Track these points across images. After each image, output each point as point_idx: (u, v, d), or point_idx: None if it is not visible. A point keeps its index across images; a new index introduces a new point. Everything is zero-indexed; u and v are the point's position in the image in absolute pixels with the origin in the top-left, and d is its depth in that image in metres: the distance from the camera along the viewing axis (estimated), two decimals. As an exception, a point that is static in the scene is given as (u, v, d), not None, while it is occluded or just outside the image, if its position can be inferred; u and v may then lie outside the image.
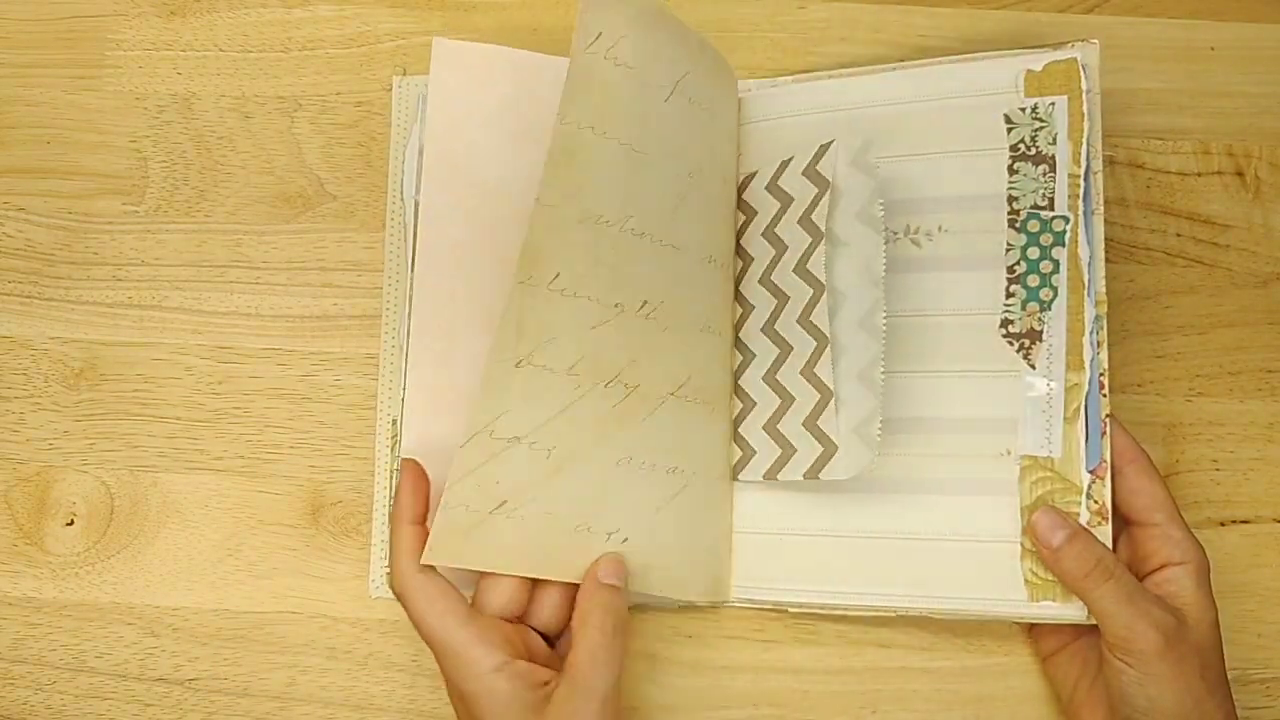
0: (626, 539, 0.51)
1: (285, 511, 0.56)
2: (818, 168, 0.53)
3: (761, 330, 0.55)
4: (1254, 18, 0.60)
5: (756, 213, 0.56)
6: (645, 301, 0.51)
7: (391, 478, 0.55)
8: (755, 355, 0.55)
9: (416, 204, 0.55)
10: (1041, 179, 0.53)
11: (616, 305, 0.50)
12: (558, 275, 0.49)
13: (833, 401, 0.51)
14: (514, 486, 0.48)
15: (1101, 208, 0.53)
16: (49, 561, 0.56)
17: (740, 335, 0.55)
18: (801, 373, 0.52)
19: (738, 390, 0.55)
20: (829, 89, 0.57)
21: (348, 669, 0.55)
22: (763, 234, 0.55)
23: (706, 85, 0.54)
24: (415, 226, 0.54)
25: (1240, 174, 0.58)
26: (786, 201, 0.54)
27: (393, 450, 0.55)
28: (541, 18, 0.59)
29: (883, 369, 0.51)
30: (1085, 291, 0.52)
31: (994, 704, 0.55)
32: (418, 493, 0.49)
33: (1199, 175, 0.58)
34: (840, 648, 0.55)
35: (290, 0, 0.59)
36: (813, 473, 0.51)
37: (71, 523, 0.56)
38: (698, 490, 0.53)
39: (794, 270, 0.53)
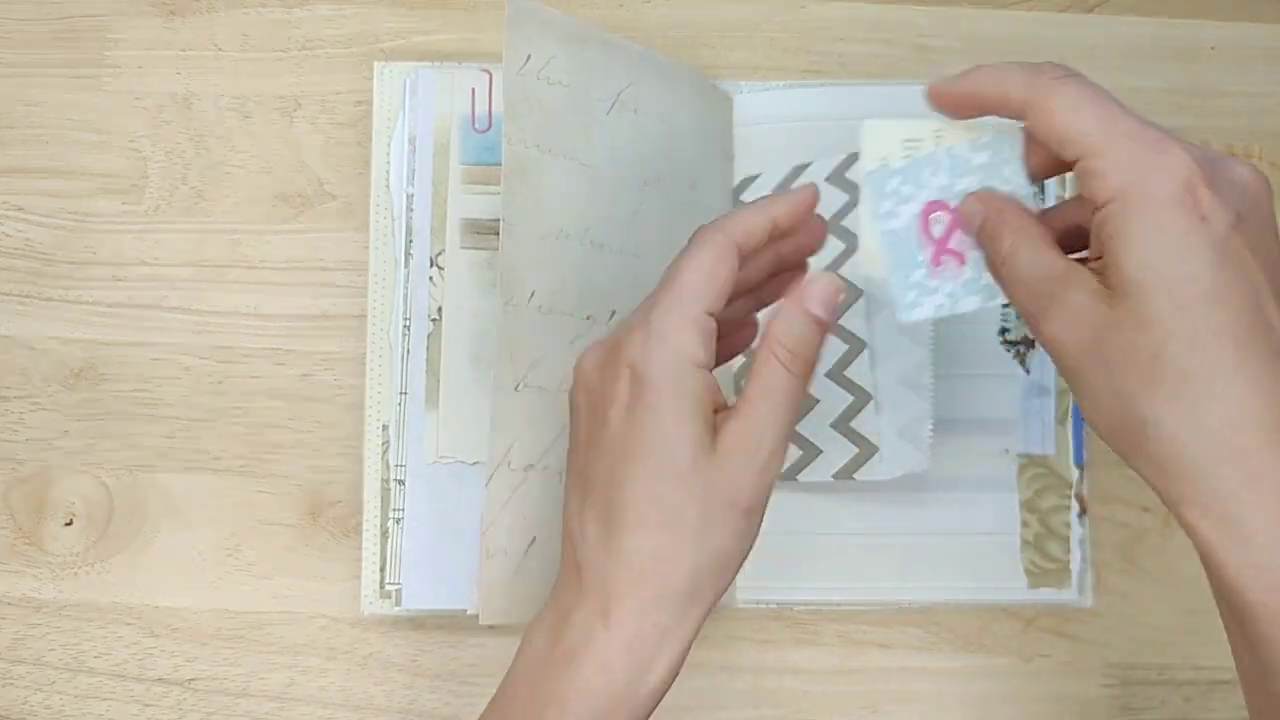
0: None
1: (284, 511, 0.56)
2: (846, 175, 0.53)
3: None
4: (1254, 18, 0.59)
5: None
6: (614, 312, 0.51)
7: (383, 486, 0.55)
8: None
9: (409, 196, 0.55)
10: (1033, 201, 0.55)
11: (588, 318, 0.50)
12: (534, 293, 0.49)
13: (872, 404, 0.52)
14: (539, 519, 0.48)
15: None
16: (48, 561, 0.56)
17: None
18: (828, 375, 0.53)
19: (740, 391, 0.55)
20: (821, 97, 0.57)
21: (347, 669, 0.55)
22: None
23: (655, 94, 0.54)
24: (408, 219, 0.55)
25: (1240, 174, 0.58)
26: None
27: (383, 457, 0.55)
28: (541, 17, 0.59)
29: (931, 373, 0.52)
30: None
31: (994, 704, 0.55)
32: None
33: (1199, 175, 0.58)
34: (840, 648, 0.55)
35: (290, 0, 0.59)
36: (845, 474, 0.52)
37: (71, 523, 0.56)
38: None
39: None
